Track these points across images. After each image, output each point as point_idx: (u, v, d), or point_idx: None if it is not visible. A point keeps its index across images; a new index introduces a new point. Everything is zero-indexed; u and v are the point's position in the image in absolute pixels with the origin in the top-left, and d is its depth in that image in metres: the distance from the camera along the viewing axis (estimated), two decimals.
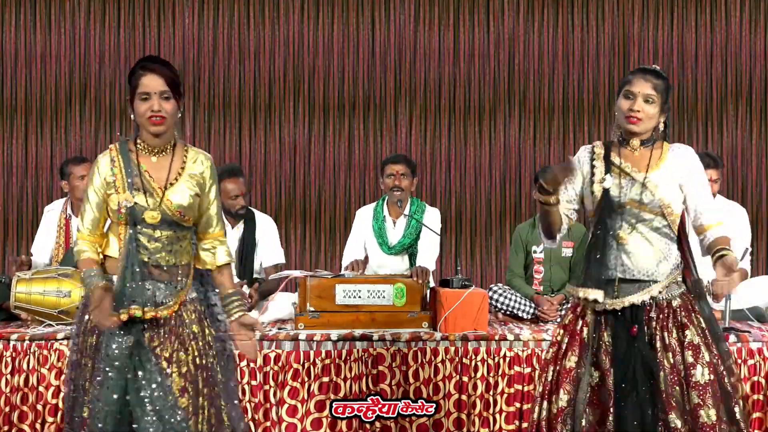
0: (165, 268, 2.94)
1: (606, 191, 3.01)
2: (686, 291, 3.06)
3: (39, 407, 4.13)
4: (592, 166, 3.08)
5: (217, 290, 3.07)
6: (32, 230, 6.58)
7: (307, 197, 6.86)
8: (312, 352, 4.20)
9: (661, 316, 2.98)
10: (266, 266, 5.14)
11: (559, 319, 4.90)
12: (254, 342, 3.07)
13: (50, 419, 4.11)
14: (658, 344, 2.95)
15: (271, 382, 4.16)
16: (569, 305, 3.19)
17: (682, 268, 3.07)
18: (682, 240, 3.09)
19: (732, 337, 4.21)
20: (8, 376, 4.15)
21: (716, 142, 6.82)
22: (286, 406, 4.15)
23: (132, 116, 2.96)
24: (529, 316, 4.94)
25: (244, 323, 3.01)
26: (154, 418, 2.82)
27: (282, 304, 4.74)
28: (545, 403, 3.09)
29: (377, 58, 6.85)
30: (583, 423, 2.99)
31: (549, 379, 3.10)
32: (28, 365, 4.16)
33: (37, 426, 4.13)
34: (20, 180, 6.81)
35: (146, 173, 2.94)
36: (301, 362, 4.18)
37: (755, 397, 4.15)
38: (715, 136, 6.81)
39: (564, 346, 3.09)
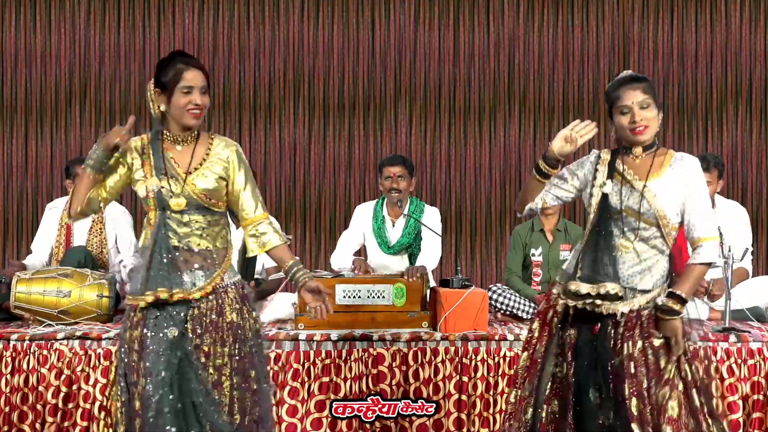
0: (198, 252, 2.98)
1: (605, 196, 3.01)
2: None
3: (39, 407, 4.13)
4: (595, 170, 3.08)
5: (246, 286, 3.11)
6: (32, 230, 6.58)
7: (307, 197, 6.86)
8: (312, 352, 4.20)
9: (628, 324, 2.97)
10: (268, 266, 5.14)
11: None
12: (323, 307, 3.03)
13: (50, 419, 4.11)
14: (625, 352, 2.96)
15: (271, 382, 4.16)
16: (545, 298, 3.17)
17: (668, 283, 3.04)
18: (675, 256, 3.08)
19: (732, 337, 4.21)
20: (8, 376, 4.15)
21: (716, 142, 6.82)
22: (286, 406, 4.15)
23: (158, 107, 3.00)
24: (529, 316, 4.93)
25: (310, 289, 3.02)
26: (198, 409, 2.86)
27: (282, 304, 4.74)
28: (514, 391, 3.12)
29: (377, 58, 6.85)
30: (543, 414, 3.00)
31: (520, 365, 3.13)
32: (28, 365, 4.16)
33: (37, 426, 4.13)
34: (20, 180, 6.81)
35: (172, 159, 3.00)
36: (301, 362, 4.18)
37: (755, 397, 4.15)
38: (715, 136, 6.81)
39: (537, 335, 3.10)
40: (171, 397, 2.86)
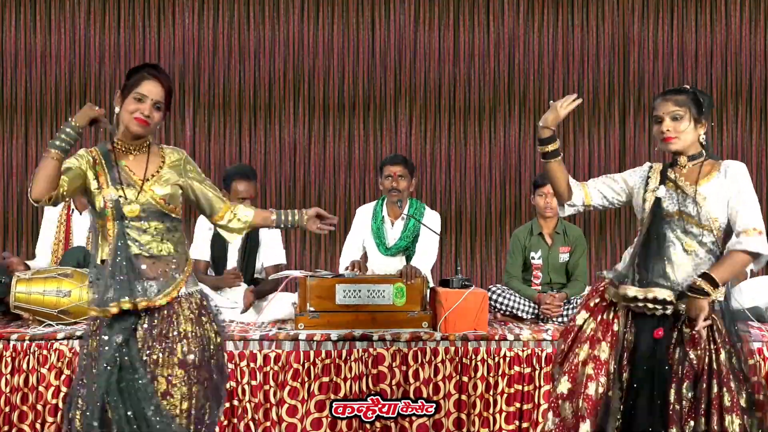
0: (158, 258, 2.99)
1: (657, 200, 3.09)
2: (718, 309, 3.08)
3: (39, 407, 4.13)
4: (648, 178, 3.18)
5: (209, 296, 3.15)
6: (32, 230, 6.59)
7: (307, 197, 6.86)
8: (312, 352, 4.20)
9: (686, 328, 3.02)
10: (267, 266, 5.14)
11: (560, 318, 4.89)
12: (329, 224, 3.26)
13: (50, 419, 4.12)
14: (676, 355, 2.99)
15: (271, 382, 4.16)
16: (594, 292, 3.20)
17: (725, 289, 3.08)
18: None
19: None
20: (8, 376, 4.15)
21: (716, 142, 6.82)
22: (286, 406, 4.15)
23: (116, 110, 3.02)
24: (529, 316, 4.93)
25: (311, 217, 3.24)
26: (127, 419, 2.86)
27: (282, 304, 4.73)
28: (562, 379, 3.12)
29: (377, 58, 6.85)
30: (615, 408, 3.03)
31: (564, 350, 3.15)
32: (28, 365, 4.16)
33: (37, 426, 4.13)
34: (20, 180, 6.81)
35: (126, 168, 3.02)
36: (301, 362, 4.18)
37: (755, 397, 4.13)
38: (715, 136, 6.82)
39: (588, 331, 3.12)
40: (102, 404, 2.87)
